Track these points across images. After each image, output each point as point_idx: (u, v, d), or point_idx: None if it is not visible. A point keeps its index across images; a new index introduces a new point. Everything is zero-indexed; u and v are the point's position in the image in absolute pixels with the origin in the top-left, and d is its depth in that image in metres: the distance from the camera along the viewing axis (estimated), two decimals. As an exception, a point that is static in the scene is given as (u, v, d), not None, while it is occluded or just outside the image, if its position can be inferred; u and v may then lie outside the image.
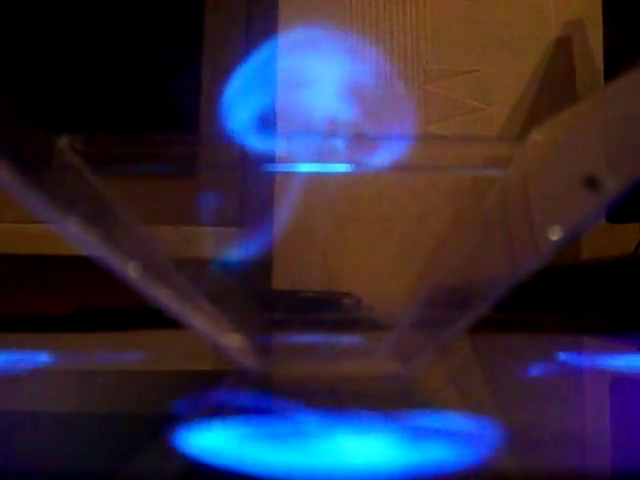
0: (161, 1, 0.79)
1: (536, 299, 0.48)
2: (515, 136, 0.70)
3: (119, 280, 0.27)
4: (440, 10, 0.73)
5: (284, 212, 0.40)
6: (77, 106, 0.76)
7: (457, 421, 0.25)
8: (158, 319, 0.29)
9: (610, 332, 0.47)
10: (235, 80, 0.32)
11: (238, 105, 0.31)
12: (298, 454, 0.21)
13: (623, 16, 0.73)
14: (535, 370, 0.35)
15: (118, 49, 0.78)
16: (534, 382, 0.33)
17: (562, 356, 0.39)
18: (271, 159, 0.32)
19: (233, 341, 0.30)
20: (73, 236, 0.26)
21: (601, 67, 0.73)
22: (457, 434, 0.23)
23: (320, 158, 0.31)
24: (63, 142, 0.30)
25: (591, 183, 0.23)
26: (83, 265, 0.27)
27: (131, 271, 0.26)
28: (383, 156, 0.31)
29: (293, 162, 0.31)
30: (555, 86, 0.73)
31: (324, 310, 0.53)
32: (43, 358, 0.36)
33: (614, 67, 0.72)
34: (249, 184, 0.65)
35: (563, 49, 0.73)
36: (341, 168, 0.32)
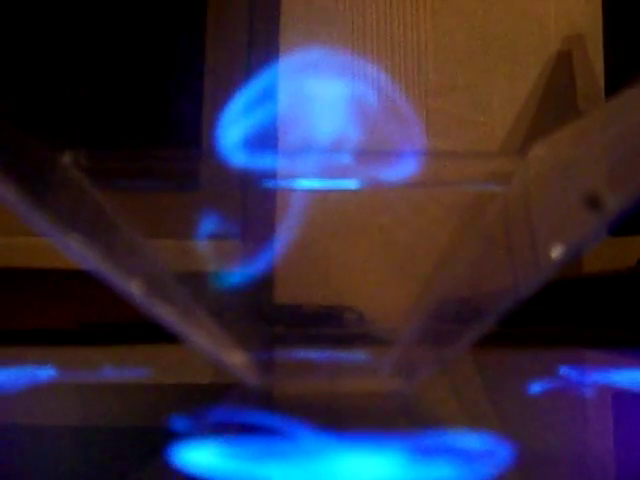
0: (164, 17, 0.79)
1: (537, 313, 0.48)
2: (517, 151, 0.70)
3: (121, 295, 0.27)
4: (441, 25, 0.73)
5: (286, 226, 0.41)
6: (79, 122, 0.77)
7: (460, 438, 0.25)
8: (160, 333, 0.29)
9: (613, 346, 0.46)
10: (237, 97, 0.32)
11: (240, 122, 0.32)
12: (299, 472, 0.21)
13: (624, 30, 0.73)
14: (537, 385, 0.35)
15: (120, 65, 0.78)
16: (537, 397, 0.33)
17: (564, 371, 0.39)
18: (272, 175, 0.32)
19: (235, 358, 0.30)
20: (75, 252, 0.26)
21: (602, 81, 0.73)
22: (460, 452, 0.23)
23: (321, 174, 0.31)
24: (66, 158, 0.30)
25: (593, 202, 0.23)
26: (85, 279, 0.27)
27: (134, 288, 0.26)
28: (385, 172, 0.31)
29: (294, 178, 0.31)
30: (556, 100, 0.73)
31: (326, 324, 0.53)
32: (45, 373, 0.36)
33: (615, 81, 0.72)
34: (250, 198, 0.66)
35: (564, 64, 0.74)
36: (342, 184, 0.32)
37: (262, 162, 0.30)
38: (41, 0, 0.78)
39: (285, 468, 0.21)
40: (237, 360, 0.30)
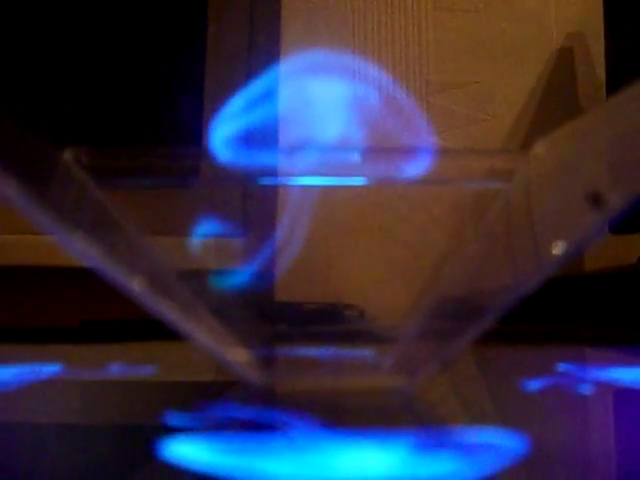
0: (165, 16, 0.79)
1: (539, 310, 0.48)
2: (518, 147, 0.70)
3: (123, 292, 0.27)
4: (442, 22, 0.73)
5: (287, 224, 0.41)
6: (81, 120, 0.77)
7: (461, 435, 0.25)
8: (162, 331, 0.29)
9: (614, 344, 0.46)
10: (238, 93, 0.32)
11: (241, 119, 0.32)
12: (300, 469, 0.21)
13: (625, 27, 0.73)
14: (539, 382, 0.35)
15: (122, 63, 0.78)
16: (538, 394, 0.33)
17: (565, 368, 0.39)
18: (273, 173, 0.32)
19: (236, 355, 0.30)
20: (77, 250, 0.26)
21: (603, 78, 0.73)
22: (461, 448, 0.23)
23: (322, 171, 0.31)
24: (67, 155, 0.30)
25: (595, 199, 0.23)
26: (87, 276, 0.27)
27: (136, 286, 0.26)
28: (386, 169, 0.31)
29: (295, 176, 0.31)
30: (557, 97, 0.73)
31: (327, 322, 0.53)
32: (47, 370, 0.36)
33: (616, 78, 0.72)
34: (252, 195, 0.66)
35: (565, 60, 0.74)
36: (343, 181, 0.32)
37: (263, 160, 0.30)
38: (43, 0, 0.78)
39: (287, 465, 0.21)
40: (239, 358, 0.31)
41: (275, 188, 0.55)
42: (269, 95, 0.33)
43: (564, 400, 0.32)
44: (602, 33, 0.73)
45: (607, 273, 0.64)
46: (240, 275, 0.42)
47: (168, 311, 0.28)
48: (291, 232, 0.42)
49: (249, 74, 0.74)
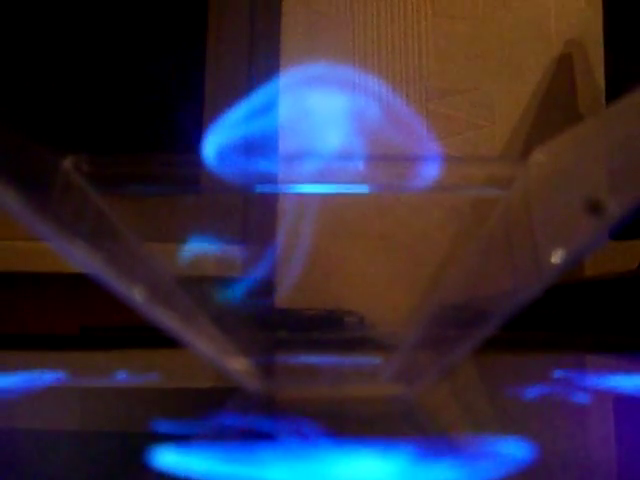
0: (166, 23, 0.79)
1: (539, 317, 0.48)
2: (517, 155, 0.70)
3: (123, 300, 0.27)
4: (442, 30, 0.73)
5: (287, 231, 0.41)
6: (80, 127, 0.77)
7: (462, 443, 0.25)
8: (162, 338, 0.29)
9: (614, 351, 0.46)
10: (238, 102, 0.32)
11: (241, 127, 0.32)
12: (300, 477, 0.21)
13: (624, 35, 0.74)
14: (538, 390, 0.35)
15: (122, 71, 0.78)
16: (538, 402, 0.33)
17: (566, 375, 0.39)
18: (273, 180, 0.32)
19: (236, 363, 0.30)
20: (77, 258, 0.26)
21: (602, 86, 0.73)
22: (462, 456, 0.23)
23: (322, 179, 0.31)
24: (67, 163, 0.30)
25: (594, 206, 0.23)
26: (86, 283, 0.27)
27: (136, 295, 0.26)
28: (386, 176, 0.31)
29: (295, 183, 0.32)
30: (557, 104, 0.73)
31: (327, 328, 0.53)
32: (47, 377, 0.36)
33: (615, 85, 0.72)
34: (252, 203, 0.66)
35: (564, 67, 0.74)
36: (343, 189, 0.32)
37: (263, 167, 0.30)
38: (44, 5, 0.78)
39: (286, 473, 0.21)
40: (238, 366, 0.30)
41: (275, 196, 0.55)
42: (269, 104, 0.33)
43: (564, 407, 0.32)
44: (601, 41, 0.73)
45: (607, 279, 0.64)
46: (240, 283, 0.43)
47: (168, 319, 0.28)
48: (291, 240, 0.42)
49: (249, 83, 0.74)
